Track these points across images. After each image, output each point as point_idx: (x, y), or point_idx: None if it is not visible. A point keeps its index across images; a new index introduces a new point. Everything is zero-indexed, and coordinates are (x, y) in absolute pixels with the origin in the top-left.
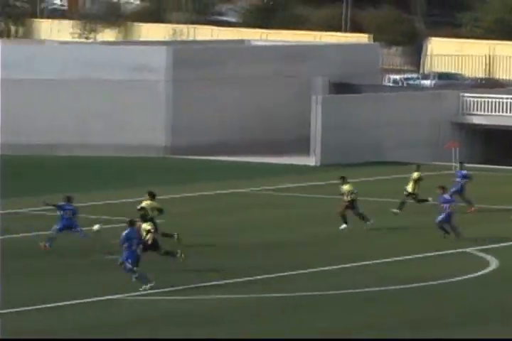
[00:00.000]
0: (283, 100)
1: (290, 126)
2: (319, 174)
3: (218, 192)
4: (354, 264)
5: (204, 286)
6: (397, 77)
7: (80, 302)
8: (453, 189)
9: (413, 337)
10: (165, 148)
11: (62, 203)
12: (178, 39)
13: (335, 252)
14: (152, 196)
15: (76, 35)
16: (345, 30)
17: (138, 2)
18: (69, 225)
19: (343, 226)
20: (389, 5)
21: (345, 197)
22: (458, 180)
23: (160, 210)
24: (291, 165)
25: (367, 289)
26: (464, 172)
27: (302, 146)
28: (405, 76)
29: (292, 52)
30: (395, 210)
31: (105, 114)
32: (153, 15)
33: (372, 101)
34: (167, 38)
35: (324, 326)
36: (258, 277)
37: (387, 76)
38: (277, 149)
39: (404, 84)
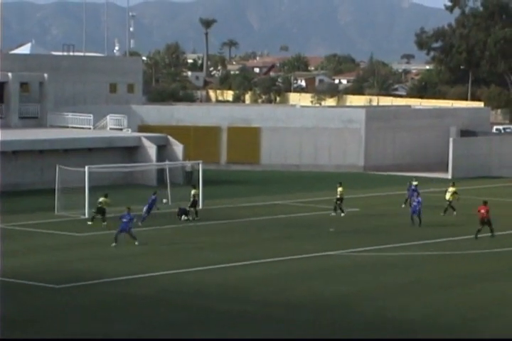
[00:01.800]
0: (432, 140)
1: (436, 154)
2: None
3: (390, 193)
4: None
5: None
6: (500, 127)
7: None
8: None
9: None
10: (363, 167)
11: None
12: (371, 104)
13: None
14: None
15: (312, 102)
16: (469, 99)
17: (345, 82)
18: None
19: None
20: (495, 84)
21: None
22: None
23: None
24: (436, 177)
25: None
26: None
27: (443, 167)
28: (504, 126)
29: (437, 112)
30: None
31: (329, 147)
32: (357, 90)
33: (486, 141)
34: (364, 104)
35: None
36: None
37: (494, 127)
38: (428, 168)
39: (503, 131)
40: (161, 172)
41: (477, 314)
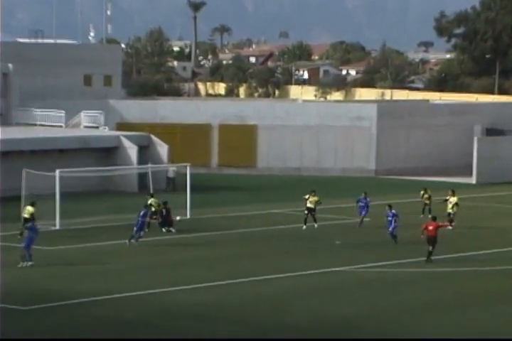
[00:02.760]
0: (453, 140)
1: (458, 156)
2: (476, 189)
3: (405, 201)
4: None
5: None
6: None
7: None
8: None
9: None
10: (374, 171)
11: None
12: (383, 99)
13: None
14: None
15: (316, 96)
16: (496, 93)
17: (354, 73)
18: None
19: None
20: None
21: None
22: None
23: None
24: (457, 183)
25: None
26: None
27: (466, 171)
28: None
29: (459, 108)
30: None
31: (334, 147)
32: (366, 82)
33: None
34: (376, 98)
35: None
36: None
37: None
38: (449, 172)
39: None
40: (143, 176)
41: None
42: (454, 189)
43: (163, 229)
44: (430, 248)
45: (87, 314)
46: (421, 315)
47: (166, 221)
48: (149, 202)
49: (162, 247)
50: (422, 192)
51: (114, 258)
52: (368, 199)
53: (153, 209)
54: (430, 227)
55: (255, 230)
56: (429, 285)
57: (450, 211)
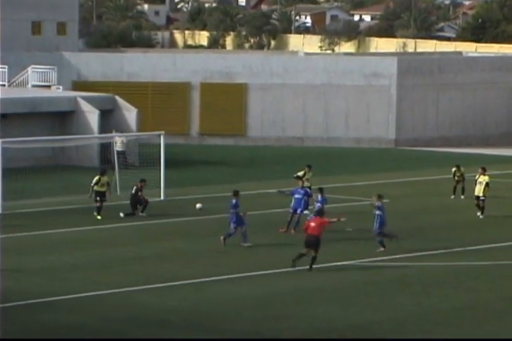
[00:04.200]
0: (493, 102)
1: (499, 123)
2: None
3: (432, 178)
4: None
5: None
6: None
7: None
8: None
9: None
10: (394, 141)
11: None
12: (406, 51)
13: None
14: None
15: (322, 48)
16: None
17: (368, 19)
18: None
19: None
20: None
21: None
22: None
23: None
24: (499, 155)
25: None
26: None
27: (509, 140)
28: None
29: (500, 62)
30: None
31: (345, 112)
32: (385, 31)
33: None
34: (396, 50)
35: None
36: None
37: None
38: (487, 142)
39: None
40: (105, 148)
41: None
42: (485, 166)
43: (140, 213)
44: (313, 252)
45: (33, 319)
46: (457, 322)
47: (133, 202)
48: (95, 180)
49: (128, 236)
50: (453, 170)
51: (68, 249)
52: (323, 197)
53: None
54: (312, 224)
55: (253, 214)
56: (467, 284)
57: (479, 194)
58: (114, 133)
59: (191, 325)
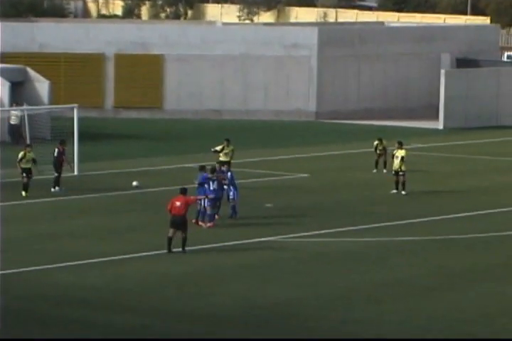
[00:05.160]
0: (415, 74)
1: (421, 94)
2: (443, 136)
3: (354, 151)
4: None
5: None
6: None
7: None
8: None
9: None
10: (315, 114)
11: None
12: (326, 21)
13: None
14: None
15: (240, 18)
16: (469, 14)
17: None
18: None
19: None
20: None
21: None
22: None
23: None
24: (421, 128)
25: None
26: None
27: (431, 113)
28: None
29: (423, 32)
30: None
31: (264, 84)
32: (305, 0)
33: (493, 74)
34: (316, 20)
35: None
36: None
37: (505, 53)
38: (409, 114)
39: None
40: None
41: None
42: (403, 140)
43: (53, 189)
44: (181, 233)
45: None
46: (384, 298)
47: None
48: (20, 155)
49: (41, 213)
50: (375, 143)
51: None
52: (230, 173)
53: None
54: (178, 203)
55: (162, 190)
56: (389, 260)
57: (398, 169)
58: (25, 107)
59: (110, 304)
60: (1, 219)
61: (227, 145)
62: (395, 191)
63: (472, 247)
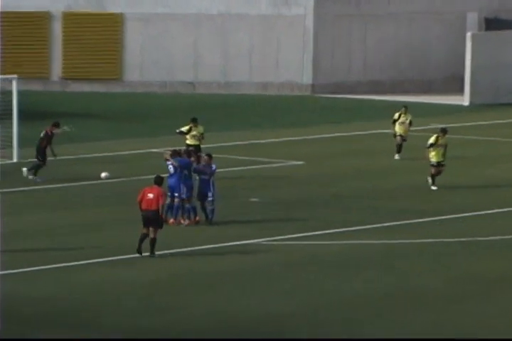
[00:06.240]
0: (434, 38)
1: (442, 64)
2: (469, 114)
3: (362, 133)
4: None
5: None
6: None
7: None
8: None
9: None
10: (311, 87)
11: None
12: None
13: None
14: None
15: None
16: None
17: None
18: None
19: None
20: None
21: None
22: None
23: None
24: (442, 104)
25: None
26: None
27: (453, 86)
28: None
29: None
30: None
31: (250, 50)
32: None
33: None
34: None
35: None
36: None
37: None
38: (427, 88)
39: None
40: None
41: None
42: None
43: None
44: (152, 233)
45: None
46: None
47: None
48: None
49: None
50: (397, 114)
51: None
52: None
53: None
54: (150, 195)
55: (125, 181)
56: (395, 265)
57: (441, 159)
58: None
59: (57, 320)
60: None
61: (195, 126)
62: (434, 188)
63: (500, 250)
